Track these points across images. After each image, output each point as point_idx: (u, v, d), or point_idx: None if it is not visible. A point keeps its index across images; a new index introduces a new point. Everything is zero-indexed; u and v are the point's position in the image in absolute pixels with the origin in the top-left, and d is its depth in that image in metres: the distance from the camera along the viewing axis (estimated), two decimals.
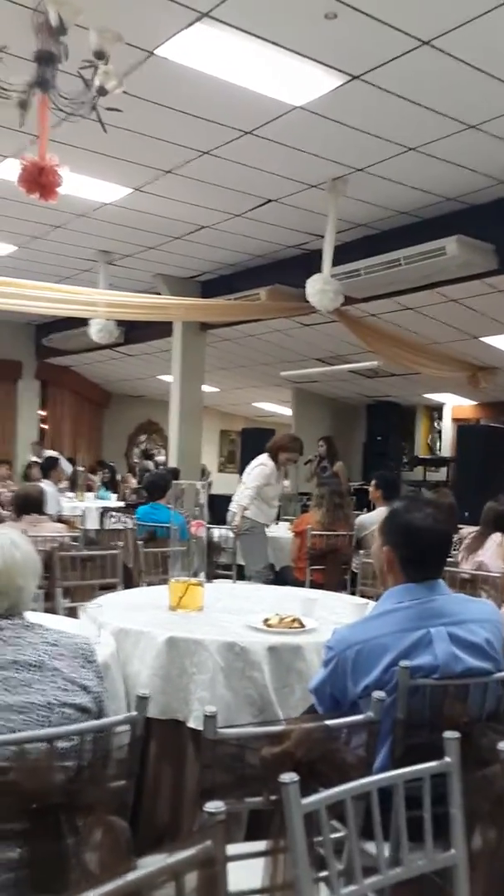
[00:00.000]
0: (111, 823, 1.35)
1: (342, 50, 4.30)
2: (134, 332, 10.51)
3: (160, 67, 4.56)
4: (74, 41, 3.48)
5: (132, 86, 4.57)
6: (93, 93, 3.67)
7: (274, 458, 6.37)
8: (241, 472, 12.75)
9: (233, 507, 6.40)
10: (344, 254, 6.90)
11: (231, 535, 6.14)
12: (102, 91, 3.67)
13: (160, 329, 9.96)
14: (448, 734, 1.38)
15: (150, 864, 0.98)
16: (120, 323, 9.30)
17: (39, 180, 3.85)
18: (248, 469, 6.55)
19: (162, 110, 5.13)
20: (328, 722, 1.50)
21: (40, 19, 3.48)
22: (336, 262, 6.65)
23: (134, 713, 1.60)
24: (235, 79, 4.64)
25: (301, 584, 5.31)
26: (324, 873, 1.27)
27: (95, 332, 9.09)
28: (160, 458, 14.35)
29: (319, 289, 6.50)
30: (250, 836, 1.97)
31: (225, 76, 4.62)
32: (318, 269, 6.61)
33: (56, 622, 2.86)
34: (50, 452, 11.94)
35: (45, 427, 14.53)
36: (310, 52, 4.33)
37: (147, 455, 15.46)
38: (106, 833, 1.33)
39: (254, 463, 6.52)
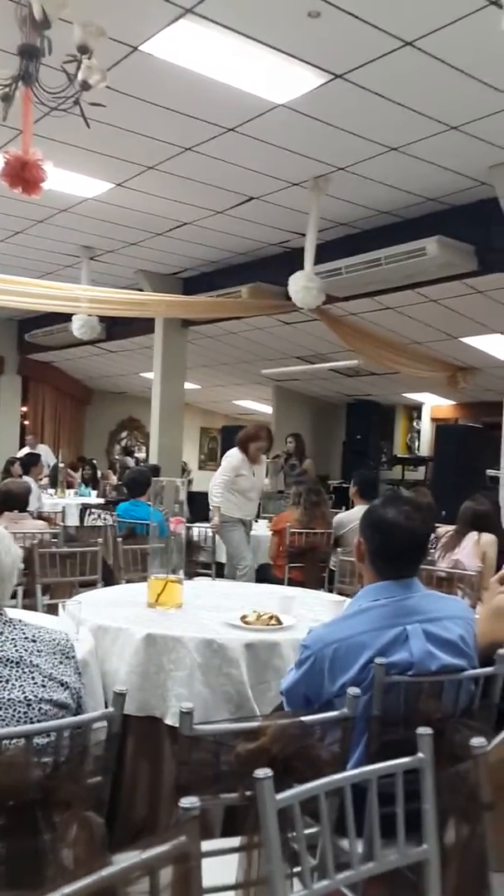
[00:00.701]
0: (86, 819, 1.35)
1: (325, 49, 4.32)
2: (116, 328, 10.48)
3: (144, 63, 4.56)
4: (58, 35, 3.46)
5: (116, 81, 4.56)
6: (76, 87, 3.66)
7: (244, 449, 6.18)
8: None
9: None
10: (325, 252, 6.92)
11: (210, 533, 6.14)
12: (86, 86, 3.65)
13: (142, 325, 9.95)
14: (421, 730, 1.40)
15: (126, 859, 0.99)
16: (102, 319, 9.27)
17: (23, 175, 3.83)
18: None
19: (145, 106, 5.11)
20: (303, 718, 1.51)
21: (24, 13, 3.46)
22: (317, 260, 6.67)
23: (111, 710, 1.61)
24: (219, 76, 4.65)
25: (280, 582, 5.33)
26: (297, 869, 1.28)
27: (77, 327, 9.05)
28: (140, 455, 14.32)
29: (302, 286, 6.52)
30: (226, 833, 1.99)
31: (208, 73, 4.62)
32: (299, 268, 6.62)
33: (35, 619, 2.86)
34: (43, 447, 11.90)
35: (27, 423, 14.45)
36: (293, 50, 4.34)
37: (127, 452, 15.43)
38: (81, 829, 1.33)
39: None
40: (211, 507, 6.08)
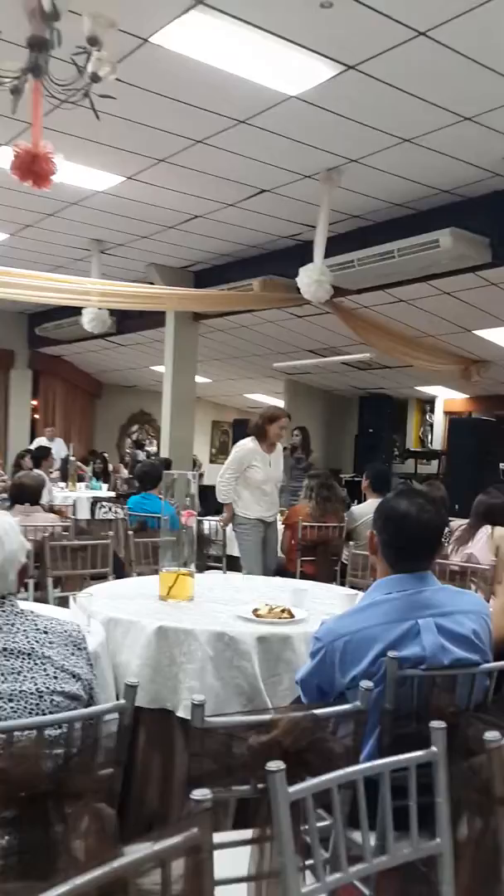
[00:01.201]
0: (98, 811, 1.35)
1: (337, 39, 4.28)
2: (126, 321, 10.48)
3: (154, 55, 4.54)
4: (68, 27, 3.45)
5: (126, 73, 4.54)
6: (86, 79, 3.64)
7: (262, 435, 5.57)
8: None
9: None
10: (337, 245, 6.89)
11: (220, 526, 6.11)
12: (95, 78, 3.64)
13: (153, 319, 9.94)
14: (434, 724, 1.39)
15: (137, 851, 0.98)
16: (112, 312, 9.28)
17: (33, 168, 3.82)
18: None
19: (155, 98, 5.10)
20: (316, 711, 1.51)
21: (33, 4, 3.44)
22: (330, 253, 6.64)
23: (122, 702, 1.60)
24: (230, 67, 4.62)
25: (292, 576, 5.32)
26: (309, 861, 1.27)
27: (88, 321, 9.06)
28: (151, 449, 14.34)
29: (313, 279, 6.50)
30: (238, 825, 1.98)
31: (219, 64, 4.59)
32: (311, 260, 6.60)
33: (47, 611, 2.86)
34: (59, 441, 11.95)
35: (37, 417, 14.50)
36: (305, 41, 4.31)
37: (139, 445, 15.45)
38: (93, 820, 1.34)
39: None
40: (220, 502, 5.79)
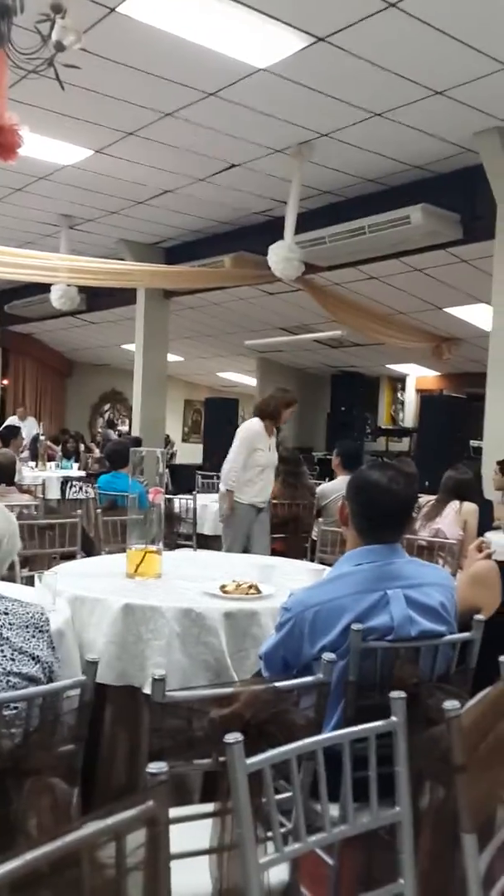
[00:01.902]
0: (52, 786, 1.34)
1: (307, 10, 4.22)
2: (96, 299, 10.37)
3: (122, 25, 4.44)
4: None
5: (93, 44, 4.45)
6: (50, 48, 3.55)
7: (276, 416, 5.41)
8: (204, 442, 12.76)
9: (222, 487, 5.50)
10: (309, 221, 6.85)
11: (191, 504, 6.08)
12: (60, 46, 3.54)
13: (123, 296, 9.84)
14: (394, 694, 1.39)
15: (93, 824, 0.98)
16: (82, 289, 9.16)
17: None
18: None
19: (123, 69, 5.00)
20: (278, 684, 1.50)
21: None
22: (301, 229, 6.60)
23: (83, 678, 1.59)
24: (198, 39, 4.54)
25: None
26: (270, 833, 1.28)
27: (56, 298, 8.94)
28: (123, 428, 14.26)
29: (282, 256, 6.46)
30: (207, 797, 1.99)
31: (188, 36, 4.52)
32: (282, 236, 6.55)
33: (13, 591, 2.83)
34: (31, 420, 11.82)
35: (7, 396, 14.34)
36: (274, 11, 4.25)
37: (111, 424, 15.36)
38: (48, 796, 1.32)
39: (238, 431, 5.57)
40: (220, 492, 5.44)
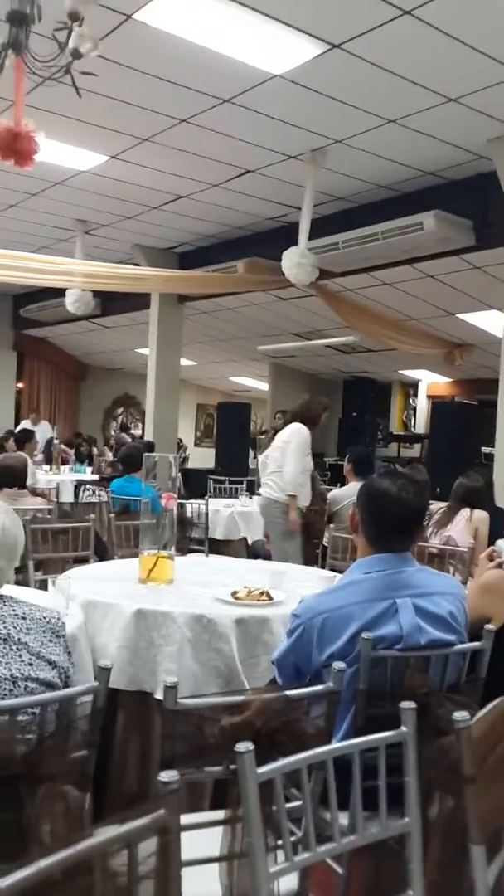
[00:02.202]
0: (65, 793, 1.35)
1: (322, 18, 4.24)
2: (111, 303, 10.42)
3: (138, 32, 4.47)
4: (48, 2, 3.40)
5: (109, 51, 4.48)
6: (67, 56, 3.59)
7: (317, 422, 5.49)
8: (216, 446, 12.77)
9: (272, 493, 5.34)
10: (322, 227, 6.86)
11: (202, 509, 6.09)
12: (77, 54, 3.58)
13: (137, 301, 9.88)
14: (405, 704, 1.40)
15: (105, 832, 0.99)
16: (96, 294, 9.21)
17: (14, 146, 3.77)
18: (279, 445, 5.45)
19: (139, 76, 5.03)
20: (288, 692, 1.51)
21: None
22: (314, 235, 6.61)
23: (95, 683, 1.60)
24: (214, 45, 4.57)
25: (273, 558, 5.34)
26: (280, 841, 1.29)
27: (71, 302, 9.00)
28: (136, 432, 14.30)
29: (296, 262, 6.47)
30: (216, 806, 2.00)
31: (203, 42, 4.54)
32: (296, 242, 6.57)
33: (27, 594, 2.85)
34: (45, 424, 11.88)
35: (22, 399, 14.42)
36: (289, 19, 4.26)
37: (124, 428, 15.41)
38: (60, 803, 1.34)
39: (285, 436, 5.45)
40: (286, 500, 5.29)
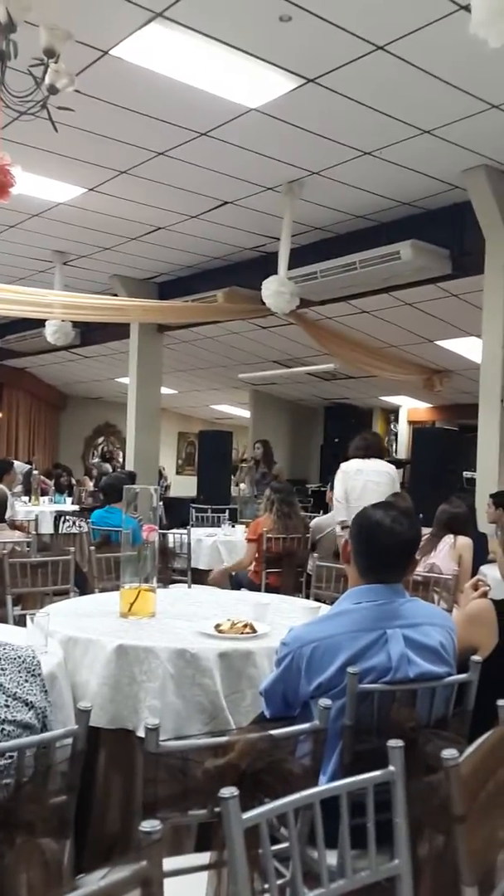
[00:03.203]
0: (41, 847, 1.31)
1: (297, 53, 4.31)
2: (90, 333, 10.41)
3: (115, 67, 4.52)
4: (24, 39, 3.42)
5: (87, 85, 4.52)
6: (43, 91, 3.61)
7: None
8: (198, 474, 12.74)
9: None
10: (301, 257, 6.92)
11: (185, 539, 6.04)
12: (53, 90, 3.61)
13: (117, 331, 9.89)
14: (392, 743, 1.37)
15: (87, 885, 0.95)
16: (76, 324, 9.20)
17: None
18: (386, 480, 5.53)
19: (116, 110, 5.08)
20: (273, 732, 1.48)
21: None
22: (293, 264, 6.66)
23: (75, 727, 1.56)
24: (190, 80, 4.62)
25: (257, 588, 5.29)
26: (266, 885, 1.25)
27: (51, 333, 8.98)
28: (117, 461, 14.22)
29: (275, 290, 6.51)
30: (202, 844, 1.95)
31: (180, 77, 4.60)
32: (275, 271, 6.61)
33: (5, 631, 2.80)
34: (18, 464, 11.74)
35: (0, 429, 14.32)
36: (265, 54, 4.33)
37: (106, 458, 15.32)
38: (38, 855, 1.29)
39: (388, 469, 5.65)
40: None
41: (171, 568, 5.97)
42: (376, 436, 6.13)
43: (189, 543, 6.04)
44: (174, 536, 6.14)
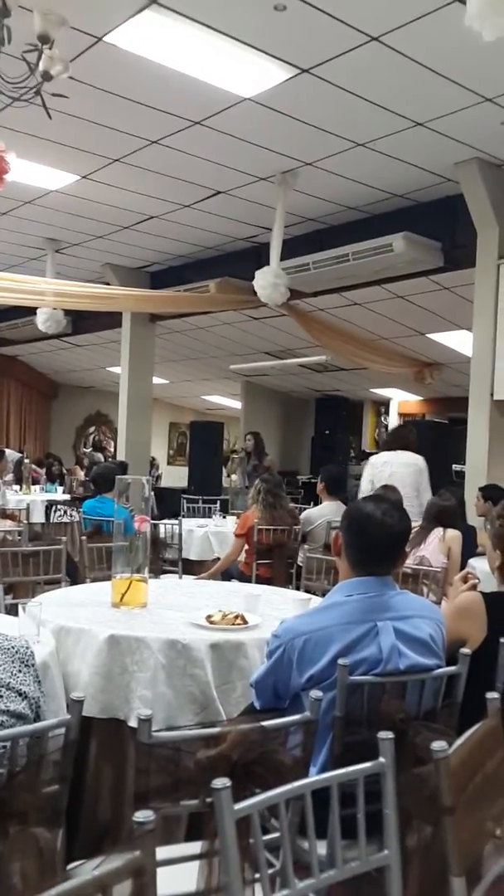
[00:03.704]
0: (34, 836, 1.32)
1: (291, 43, 4.29)
2: (82, 322, 10.37)
3: (109, 54, 4.49)
4: (18, 24, 3.40)
5: (80, 72, 4.49)
6: (37, 77, 3.59)
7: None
8: (189, 465, 12.75)
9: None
10: (293, 248, 6.91)
11: (176, 530, 6.04)
12: (47, 76, 3.58)
13: (109, 320, 9.85)
14: (382, 734, 1.38)
15: (82, 873, 0.96)
16: (68, 313, 9.16)
17: None
18: (410, 472, 5.66)
19: (110, 98, 5.05)
20: (264, 723, 1.49)
21: None
22: (285, 255, 6.65)
23: (67, 717, 1.57)
24: (184, 68, 4.60)
25: (247, 579, 5.31)
26: (258, 875, 1.26)
27: (42, 321, 8.94)
28: (109, 451, 14.20)
29: (269, 282, 6.50)
30: (192, 835, 1.97)
31: (174, 65, 4.57)
32: (267, 262, 6.61)
33: None
34: (9, 452, 11.70)
35: None
36: (259, 43, 4.31)
37: (98, 448, 15.29)
38: (31, 844, 1.30)
39: (414, 460, 5.73)
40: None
41: (162, 558, 5.97)
42: (405, 428, 6.25)
43: (180, 534, 6.05)
44: (165, 527, 6.15)
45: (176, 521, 6.18)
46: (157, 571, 5.48)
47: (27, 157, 5.86)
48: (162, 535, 6.04)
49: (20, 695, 1.65)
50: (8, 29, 3.43)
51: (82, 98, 4.92)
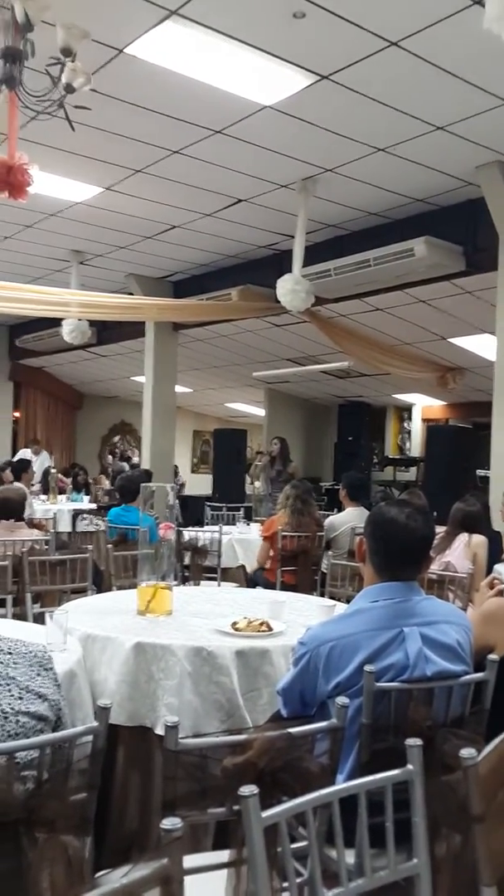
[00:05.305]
0: (64, 844, 1.32)
1: (311, 50, 4.30)
2: (106, 332, 10.45)
3: (130, 66, 4.53)
4: (41, 38, 3.44)
5: (102, 84, 4.54)
6: (60, 90, 3.63)
7: None
8: (213, 473, 12.78)
9: None
10: (314, 254, 6.91)
11: (216, 536, 6.00)
12: (70, 88, 3.63)
13: (133, 329, 9.92)
14: (410, 741, 1.37)
15: (109, 882, 0.96)
16: (92, 323, 9.24)
17: (9, 179, 3.81)
18: None
19: (132, 109, 5.09)
20: (291, 730, 1.49)
21: (6, 16, 3.44)
22: (307, 262, 6.65)
23: (95, 724, 1.57)
24: (205, 78, 4.63)
25: (272, 586, 5.30)
26: (286, 884, 1.25)
27: (67, 332, 9.02)
28: (135, 460, 14.26)
29: (290, 289, 6.50)
30: (219, 842, 1.96)
31: (194, 75, 4.60)
32: (289, 269, 6.61)
33: (24, 629, 2.82)
34: (45, 454, 11.84)
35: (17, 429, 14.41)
36: (279, 51, 4.32)
37: (123, 457, 15.36)
38: (60, 852, 1.30)
39: None
40: None
41: (202, 566, 5.90)
42: None
43: (220, 541, 5.94)
44: (203, 535, 6.06)
45: (216, 529, 6.12)
46: (195, 580, 5.48)
47: (50, 169, 5.93)
48: (201, 542, 5.96)
49: (40, 696, 1.66)
50: (31, 43, 3.48)
51: (104, 110, 4.97)
